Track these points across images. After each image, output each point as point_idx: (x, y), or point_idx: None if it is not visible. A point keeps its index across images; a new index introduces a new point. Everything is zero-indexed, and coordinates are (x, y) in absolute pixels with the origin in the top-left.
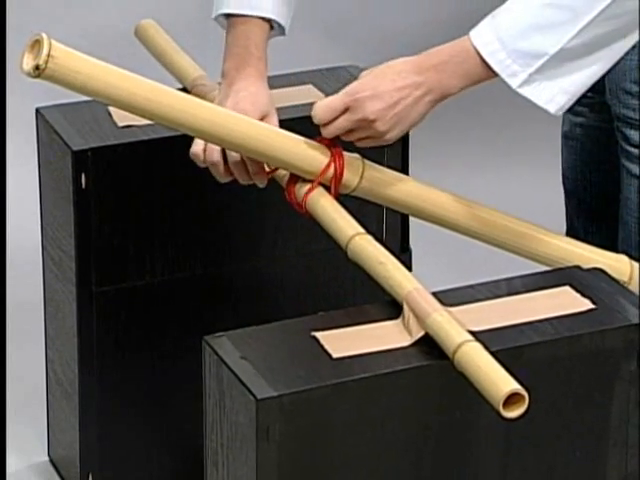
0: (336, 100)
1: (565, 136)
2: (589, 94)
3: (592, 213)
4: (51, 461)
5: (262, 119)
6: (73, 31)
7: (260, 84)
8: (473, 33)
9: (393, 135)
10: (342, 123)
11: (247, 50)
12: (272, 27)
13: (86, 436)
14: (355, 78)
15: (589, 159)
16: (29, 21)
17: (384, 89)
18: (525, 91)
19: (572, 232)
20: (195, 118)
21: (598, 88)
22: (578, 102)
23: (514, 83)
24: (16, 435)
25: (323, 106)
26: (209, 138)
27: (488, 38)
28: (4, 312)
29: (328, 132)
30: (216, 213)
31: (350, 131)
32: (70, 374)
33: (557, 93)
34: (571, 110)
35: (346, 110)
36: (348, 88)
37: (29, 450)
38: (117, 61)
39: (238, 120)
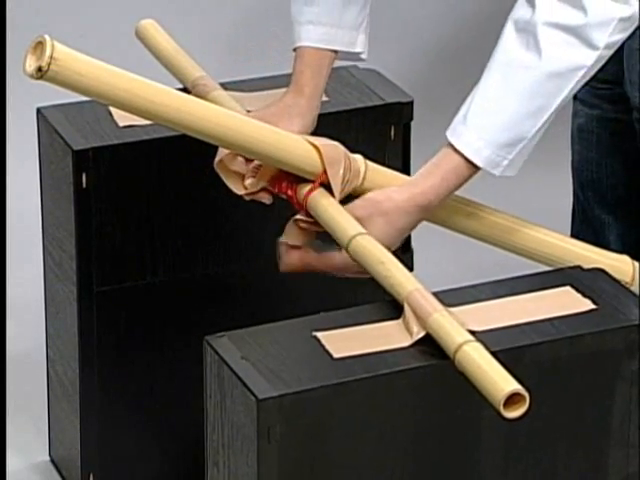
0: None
1: (580, 129)
2: (605, 86)
3: (608, 205)
4: (52, 461)
5: None
6: (73, 31)
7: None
8: (461, 145)
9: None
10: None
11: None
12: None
13: (87, 436)
14: (355, 78)
15: (606, 150)
16: (29, 21)
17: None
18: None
19: (585, 225)
20: (196, 119)
21: (615, 80)
22: (595, 94)
23: (497, 172)
24: (16, 435)
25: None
26: (210, 139)
27: (475, 144)
28: (4, 312)
29: None
30: (217, 213)
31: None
32: (71, 374)
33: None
34: (587, 103)
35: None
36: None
37: (30, 450)
38: (117, 61)
39: (239, 120)
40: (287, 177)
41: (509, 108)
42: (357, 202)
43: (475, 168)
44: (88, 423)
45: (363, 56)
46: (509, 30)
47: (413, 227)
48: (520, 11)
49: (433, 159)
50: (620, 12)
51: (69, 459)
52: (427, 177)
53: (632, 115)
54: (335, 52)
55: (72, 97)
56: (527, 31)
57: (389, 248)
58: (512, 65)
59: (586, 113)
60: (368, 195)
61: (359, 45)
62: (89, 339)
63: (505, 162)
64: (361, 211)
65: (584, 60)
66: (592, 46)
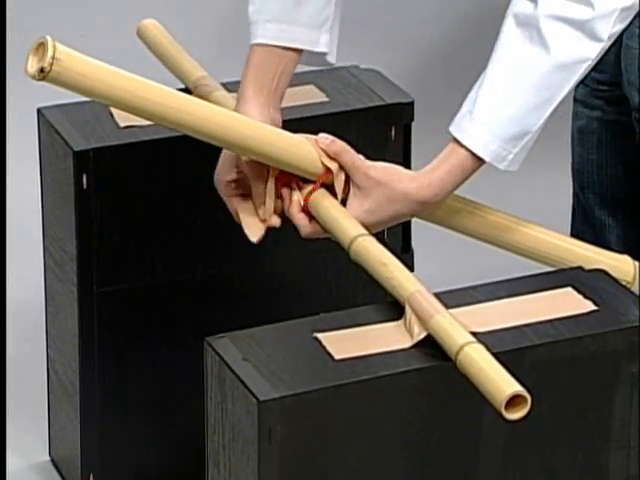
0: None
1: (580, 131)
2: (606, 87)
3: (609, 206)
4: (52, 461)
5: None
6: (73, 31)
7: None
8: (467, 140)
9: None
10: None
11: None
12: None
13: (87, 436)
14: (356, 78)
15: (607, 152)
16: (29, 21)
17: (384, 214)
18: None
19: (586, 226)
20: (198, 119)
21: (615, 81)
22: (595, 96)
23: (502, 166)
24: (17, 435)
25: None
26: (211, 139)
27: (482, 138)
28: (4, 312)
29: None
30: (217, 213)
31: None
32: (71, 374)
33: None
34: (587, 104)
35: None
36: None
37: (30, 450)
38: (118, 61)
39: (241, 121)
40: (288, 177)
41: (517, 102)
42: (377, 165)
43: (480, 162)
44: (88, 423)
45: (330, 59)
46: (510, 24)
47: (405, 217)
48: (520, 5)
49: (439, 156)
50: (622, 2)
51: (69, 459)
52: (433, 171)
53: (631, 116)
54: (297, 51)
55: (73, 97)
56: (529, 25)
57: (371, 226)
58: (518, 59)
59: (587, 115)
60: (388, 165)
61: (322, 45)
62: (89, 339)
63: (510, 156)
64: (374, 173)
65: (589, 53)
66: (597, 39)
